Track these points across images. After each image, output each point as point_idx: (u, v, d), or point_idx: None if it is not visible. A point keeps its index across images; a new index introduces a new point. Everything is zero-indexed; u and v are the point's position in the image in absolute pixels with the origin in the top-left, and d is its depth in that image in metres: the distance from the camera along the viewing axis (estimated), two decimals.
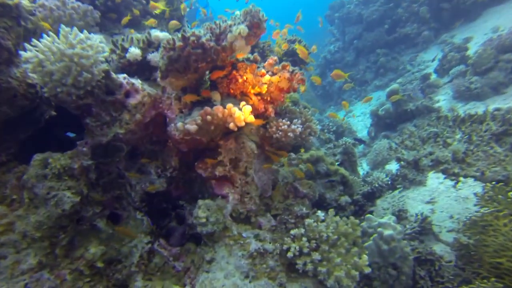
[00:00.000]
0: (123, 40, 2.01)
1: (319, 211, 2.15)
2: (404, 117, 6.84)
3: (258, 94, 2.19)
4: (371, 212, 4.28)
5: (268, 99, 2.24)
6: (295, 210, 2.12)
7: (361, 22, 11.57)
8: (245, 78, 2.02)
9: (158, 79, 1.95)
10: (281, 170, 2.93)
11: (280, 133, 2.06)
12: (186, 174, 2.25)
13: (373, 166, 6.64)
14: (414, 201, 4.45)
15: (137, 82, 1.83)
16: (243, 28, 1.74)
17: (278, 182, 2.61)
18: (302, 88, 5.40)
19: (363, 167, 7.06)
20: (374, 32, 11.11)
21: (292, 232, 1.97)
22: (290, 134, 2.05)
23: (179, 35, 1.69)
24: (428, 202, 4.33)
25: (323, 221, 2.05)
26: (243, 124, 1.81)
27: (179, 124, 1.79)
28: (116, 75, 1.73)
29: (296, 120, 2.16)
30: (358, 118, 10.05)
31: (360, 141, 5.91)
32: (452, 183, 3.09)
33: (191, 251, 1.98)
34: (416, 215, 3.84)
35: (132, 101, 1.78)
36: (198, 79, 2.07)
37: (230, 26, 1.79)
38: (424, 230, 3.64)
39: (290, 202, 2.28)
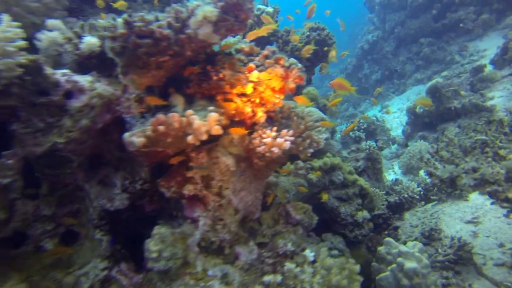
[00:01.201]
0: (82, 26, 1.65)
1: (307, 250, 1.63)
2: (447, 116, 5.84)
3: (243, 95, 1.72)
4: (396, 229, 3.62)
5: (257, 101, 1.76)
6: (277, 245, 1.64)
7: (404, 8, 10.24)
8: (221, 75, 1.56)
9: (120, 76, 1.57)
10: (282, 180, 2.44)
11: (263, 146, 1.58)
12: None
13: (405, 170, 5.80)
14: (451, 219, 3.66)
15: (84, 80, 1.46)
16: (209, 10, 1.27)
17: (274, 198, 2.14)
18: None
19: (395, 170, 6.22)
20: (419, 19, 9.77)
21: (265, 278, 1.49)
22: (275, 150, 1.56)
23: (122, 19, 1.29)
24: (469, 222, 3.52)
25: (312, 262, 1.55)
26: (204, 137, 1.37)
27: (126, 135, 1.41)
28: (53, 71, 1.38)
29: (286, 130, 1.65)
30: (394, 114, 9.00)
31: None
32: (504, 211, 2.36)
33: (152, 281, 1.62)
34: (452, 238, 3.11)
35: (76, 103, 1.42)
36: (169, 76, 1.66)
37: (197, 7, 1.33)
38: (461, 259, 2.92)
39: (279, 229, 1.80)
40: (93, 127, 1.51)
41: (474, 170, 2.37)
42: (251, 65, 1.73)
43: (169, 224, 1.65)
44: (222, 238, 1.61)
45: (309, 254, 1.60)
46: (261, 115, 1.79)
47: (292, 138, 1.63)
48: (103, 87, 1.52)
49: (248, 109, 1.74)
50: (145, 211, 1.95)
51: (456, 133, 2.89)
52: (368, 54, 11.59)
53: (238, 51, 1.84)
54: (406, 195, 4.04)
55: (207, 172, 1.64)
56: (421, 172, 5.41)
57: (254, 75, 1.70)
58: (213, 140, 1.70)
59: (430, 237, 3.30)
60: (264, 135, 1.60)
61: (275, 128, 1.67)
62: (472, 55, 8.35)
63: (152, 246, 1.44)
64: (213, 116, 1.39)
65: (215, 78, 1.56)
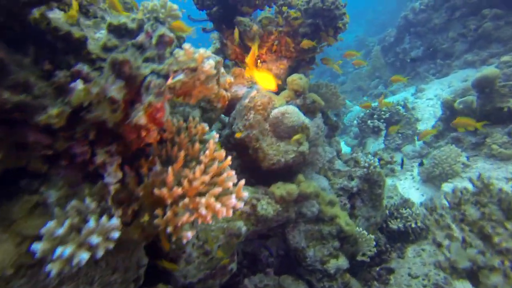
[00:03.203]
0: None
1: None
2: (495, 118, 4.38)
3: None
4: (389, 272, 2.69)
5: None
6: None
7: None
8: None
9: None
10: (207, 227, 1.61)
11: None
12: None
13: (426, 178, 4.62)
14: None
15: None
16: None
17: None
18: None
19: (413, 175, 5.03)
20: None
21: None
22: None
23: None
24: None
25: None
26: None
27: None
28: None
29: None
30: (429, 102, 7.38)
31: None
32: None
33: None
34: None
35: None
36: None
37: None
38: None
39: None
40: None
41: None
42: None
43: None
44: None
45: None
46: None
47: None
48: None
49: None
50: None
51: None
52: (412, 25, 9.47)
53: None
54: (413, 225, 3.03)
55: None
56: (445, 186, 4.23)
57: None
58: None
59: None
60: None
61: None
62: None
63: None
64: None
65: None
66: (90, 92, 0.79)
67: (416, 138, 5.85)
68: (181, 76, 1.00)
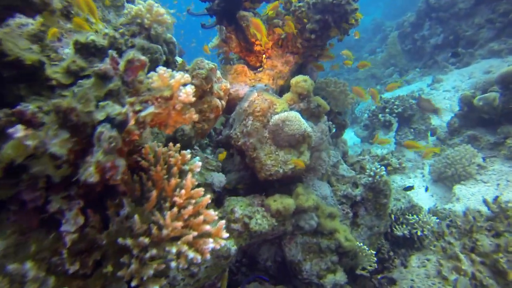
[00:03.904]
0: None
1: None
2: None
3: None
4: (391, 283, 2.58)
5: None
6: None
7: None
8: None
9: None
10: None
11: None
12: None
13: (437, 178, 4.37)
14: None
15: None
16: None
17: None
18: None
19: (424, 173, 4.77)
20: None
21: None
22: None
23: None
24: None
25: None
26: None
27: None
28: None
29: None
30: (446, 93, 6.91)
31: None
32: None
33: None
34: None
35: None
36: None
37: None
38: None
39: None
40: None
41: None
42: None
43: None
44: None
45: None
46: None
47: None
48: None
49: None
50: None
51: None
52: (433, 10, 8.75)
53: None
54: (420, 233, 2.86)
55: None
56: (456, 188, 3.99)
57: None
58: None
59: None
60: None
61: None
62: None
63: None
64: None
65: None
66: (25, 147, 0.66)
67: (429, 133, 5.52)
68: (151, 109, 0.85)
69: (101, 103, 0.75)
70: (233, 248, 1.60)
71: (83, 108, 0.72)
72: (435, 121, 5.78)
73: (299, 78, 2.22)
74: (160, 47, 1.37)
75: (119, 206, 0.89)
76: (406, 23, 9.92)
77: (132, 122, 0.77)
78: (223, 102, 1.81)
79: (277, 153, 2.02)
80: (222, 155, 2.49)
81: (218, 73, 1.84)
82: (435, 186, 4.35)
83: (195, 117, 0.94)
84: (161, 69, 0.90)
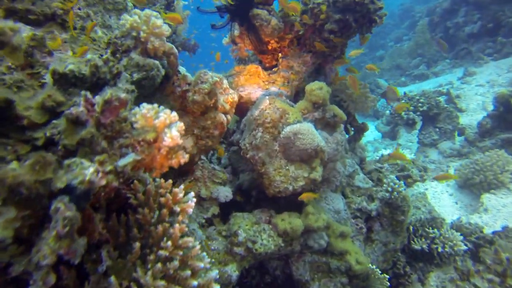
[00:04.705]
0: None
1: None
2: None
3: None
4: None
5: None
6: None
7: None
8: None
9: None
10: None
11: None
12: None
13: (463, 184, 4.02)
14: None
15: None
16: None
17: None
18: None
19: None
20: None
21: None
22: None
23: None
24: None
25: None
26: None
27: None
28: None
29: None
30: (479, 89, 6.30)
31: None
32: None
33: None
34: None
35: None
36: None
37: None
38: None
39: None
40: None
41: None
42: None
43: None
44: None
45: None
46: None
47: None
48: None
49: None
50: None
51: None
52: None
53: None
54: (440, 249, 2.64)
55: None
56: (485, 197, 3.66)
57: None
58: None
59: None
60: None
61: None
62: None
63: None
64: None
65: None
66: None
67: (457, 133, 5.08)
68: (131, 157, 0.73)
69: (66, 162, 0.64)
70: (235, 274, 1.51)
71: (37, 177, 0.61)
72: (466, 117, 5.30)
73: (314, 85, 2.02)
74: (157, 62, 1.23)
75: (98, 261, 0.80)
76: (438, 9, 9.07)
77: (103, 182, 0.66)
78: (229, 117, 1.67)
79: (287, 167, 1.86)
80: (221, 150, 2.46)
81: (225, 83, 1.69)
82: (460, 193, 4.02)
83: (184, 160, 0.81)
84: (144, 108, 0.77)
